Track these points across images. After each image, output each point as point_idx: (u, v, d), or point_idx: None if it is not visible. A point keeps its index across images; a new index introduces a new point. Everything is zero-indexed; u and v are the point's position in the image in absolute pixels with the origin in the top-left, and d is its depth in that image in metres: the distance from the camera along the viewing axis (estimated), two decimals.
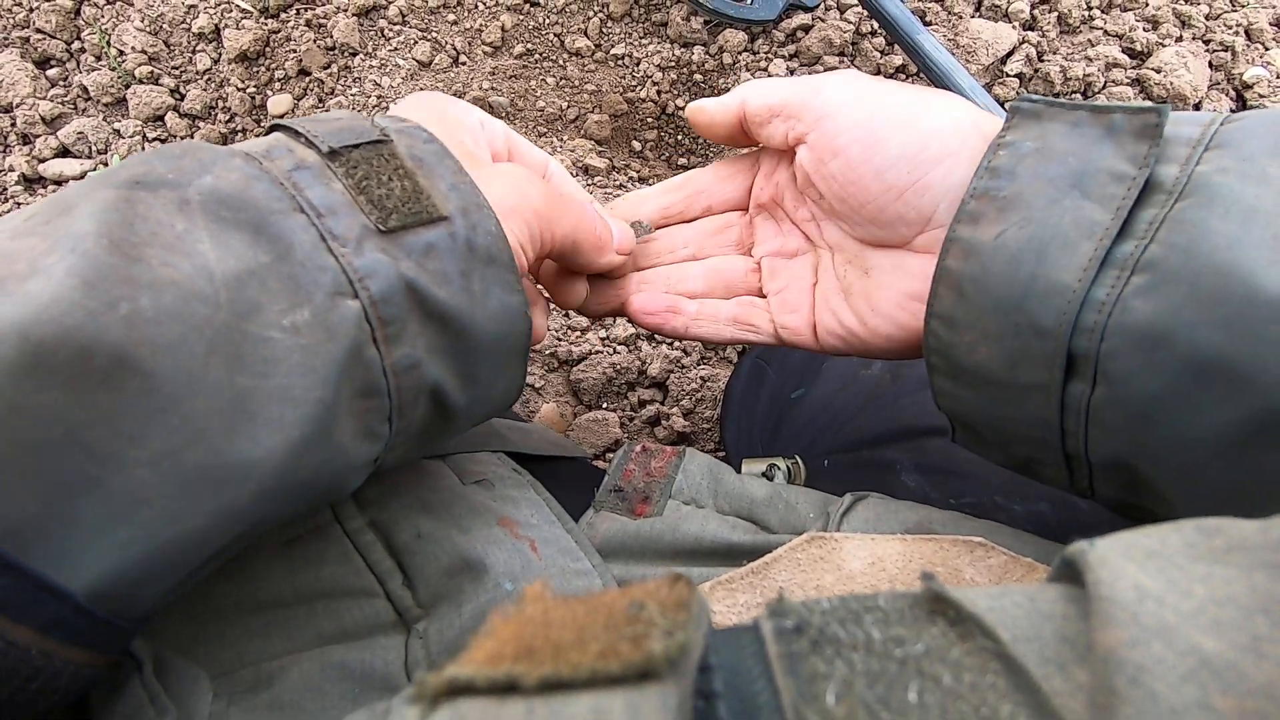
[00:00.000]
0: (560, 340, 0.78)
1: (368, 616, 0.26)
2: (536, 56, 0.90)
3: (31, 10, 0.86)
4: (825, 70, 0.88)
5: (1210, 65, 0.96)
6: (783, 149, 0.32)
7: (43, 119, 0.82)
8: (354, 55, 0.87)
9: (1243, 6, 1.01)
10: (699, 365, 0.78)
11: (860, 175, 0.28)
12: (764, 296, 0.34)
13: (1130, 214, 0.22)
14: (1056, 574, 0.15)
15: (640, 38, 0.92)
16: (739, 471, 0.35)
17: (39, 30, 0.86)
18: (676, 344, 0.80)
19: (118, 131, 0.83)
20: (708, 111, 0.33)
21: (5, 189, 0.81)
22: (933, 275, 0.26)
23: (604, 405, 0.76)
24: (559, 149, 0.88)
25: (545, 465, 0.35)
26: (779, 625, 0.14)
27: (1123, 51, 0.95)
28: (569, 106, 0.90)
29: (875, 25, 0.89)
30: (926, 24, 0.92)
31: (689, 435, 0.75)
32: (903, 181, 0.27)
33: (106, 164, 0.82)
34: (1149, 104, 0.23)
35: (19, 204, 0.80)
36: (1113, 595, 0.13)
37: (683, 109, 0.90)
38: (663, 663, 0.12)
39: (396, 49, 0.88)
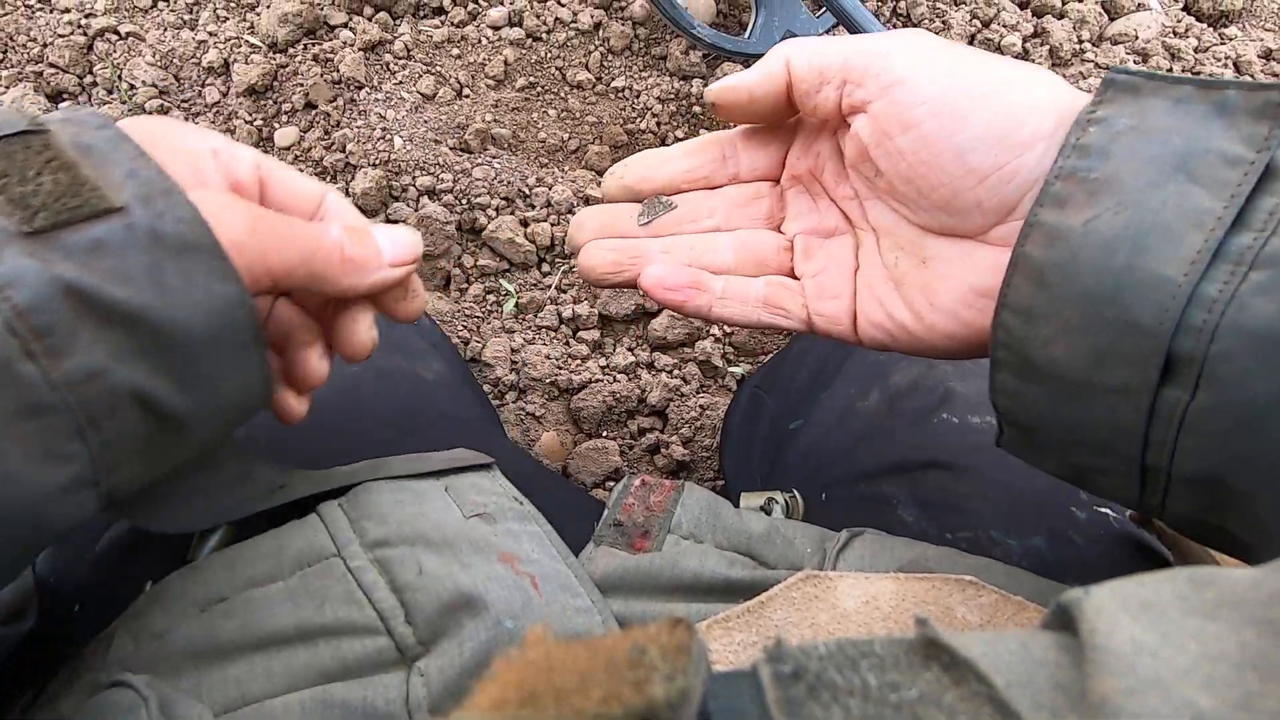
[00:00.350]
0: (561, 369, 0.79)
1: (370, 654, 0.26)
2: (539, 89, 0.92)
3: (45, 45, 0.88)
4: None
5: None
6: (830, 119, 0.28)
7: None
8: (359, 89, 0.89)
9: (1230, 40, 1.03)
10: (698, 394, 0.78)
11: (937, 154, 0.25)
12: (795, 278, 0.31)
13: (1247, 202, 0.20)
14: (1051, 620, 0.15)
15: (640, 71, 0.94)
16: (738, 503, 0.36)
17: (52, 65, 0.88)
18: (675, 372, 0.80)
19: None
20: (743, 88, 0.28)
21: None
22: (1009, 262, 0.23)
23: (604, 433, 0.77)
24: (560, 179, 0.89)
25: (547, 495, 0.35)
26: (777, 670, 0.15)
27: None
28: (570, 137, 0.92)
29: None
30: None
31: (688, 464, 0.75)
32: (987, 165, 0.24)
33: None
34: (1269, 81, 0.22)
35: None
36: (1109, 645, 0.13)
37: (683, 139, 0.92)
38: (664, 708, 0.13)
39: (401, 82, 0.90)
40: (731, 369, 0.81)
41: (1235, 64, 1.00)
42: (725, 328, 0.83)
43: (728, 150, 0.32)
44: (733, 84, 0.29)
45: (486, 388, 0.77)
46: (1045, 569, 0.32)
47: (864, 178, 0.29)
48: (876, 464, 0.41)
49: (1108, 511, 0.35)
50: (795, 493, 0.37)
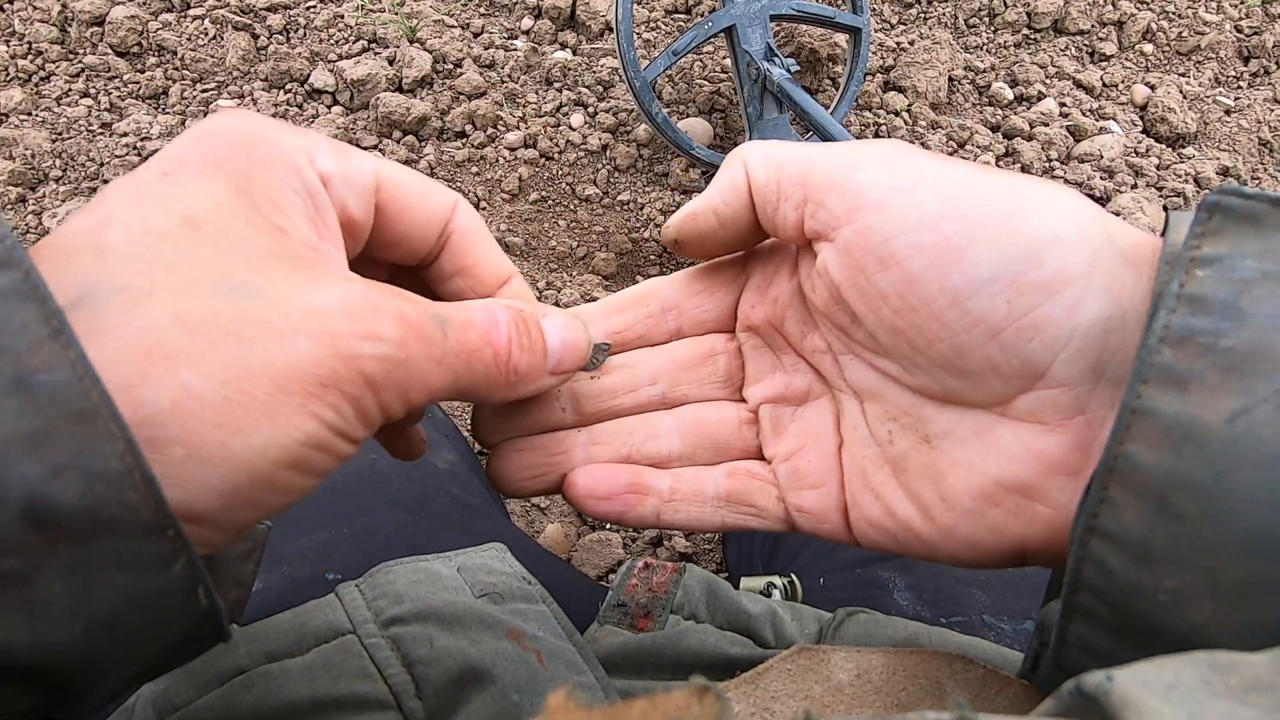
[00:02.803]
0: None
1: None
2: (550, 202, 1.00)
3: (103, 164, 0.97)
4: None
5: (1165, 209, 1.04)
6: (793, 242, 0.23)
7: None
8: None
9: (1189, 159, 1.12)
10: None
11: (928, 298, 0.19)
12: (765, 460, 0.25)
13: None
14: (1069, 704, 0.14)
15: (644, 186, 1.02)
16: (737, 589, 0.37)
17: (106, 181, 0.96)
18: None
19: None
20: (707, 210, 0.23)
21: None
22: (1099, 468, 0.16)
23: (607, 525, 0.77)
24: (569, 284, 0.95)
25: (553, 577, 0.37)
26: None
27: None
28: (578, 245, 0.99)
29: None
30: None
31: (691, 555, 0.75)
32: (999, 314, 0.19)
33: None
34: None
35: None
36: None
37: None
38: None
39: None
40: None
41: (1196, 179, 1.08)
42: None
43: (667, 300, 0.25)
44: (693, 210, 0.23)
45: None
46: None
47: (837, 327, 0.23)
48: (871, 550, 0.42)
49: None
50: (794, 577, 0.39)
